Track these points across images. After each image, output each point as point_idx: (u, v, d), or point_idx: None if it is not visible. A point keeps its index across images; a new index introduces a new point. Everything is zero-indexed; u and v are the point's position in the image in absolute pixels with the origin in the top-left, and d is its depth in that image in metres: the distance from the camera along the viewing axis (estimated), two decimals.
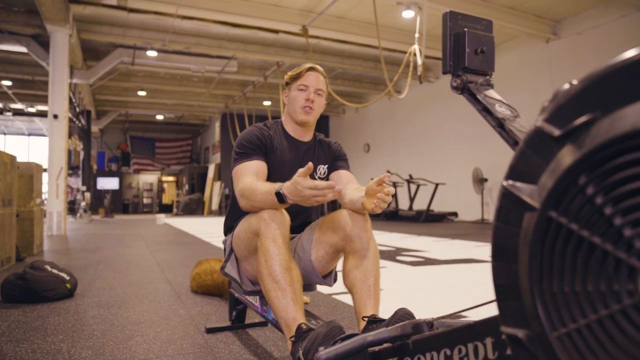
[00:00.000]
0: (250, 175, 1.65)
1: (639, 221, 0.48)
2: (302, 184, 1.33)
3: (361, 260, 1.58)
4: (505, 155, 0.66)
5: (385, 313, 1.49)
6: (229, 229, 1.85)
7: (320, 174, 1.90)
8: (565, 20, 9.26)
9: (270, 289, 1.44)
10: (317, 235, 1.71)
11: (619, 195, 0.49)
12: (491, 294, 0.68)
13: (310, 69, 1.83)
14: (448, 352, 0.94)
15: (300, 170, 1.35)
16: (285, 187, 1.40)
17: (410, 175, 12.31)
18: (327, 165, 1.92)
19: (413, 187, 12.24)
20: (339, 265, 1.74)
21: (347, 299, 2.72)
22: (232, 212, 1.83)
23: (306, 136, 1.89)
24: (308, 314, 1.64)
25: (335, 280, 1.82)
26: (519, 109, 1.14)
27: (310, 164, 1.35)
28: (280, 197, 1.42)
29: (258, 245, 1.50)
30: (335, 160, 1.94)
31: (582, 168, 0.52)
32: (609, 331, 0.51)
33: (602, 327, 0.52)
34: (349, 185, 1.81)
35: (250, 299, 1.95)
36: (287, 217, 1.53)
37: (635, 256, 0.48)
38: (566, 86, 0.56)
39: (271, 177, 1.73)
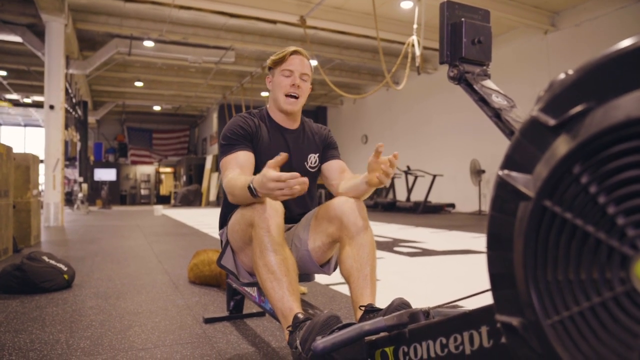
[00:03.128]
0: (234, 168, 1.60)
1: (632, 210, 0.49)
2: (266, 176, 1.26)
3: (357, 249, 1.55)
4: (503, 146, 0.67)
5: (382, 303, 1.49)
6: (224, 221, 1.83)
7: (311, 163, 1.82)
8: (564, 12, 9.23)
9: (266, 280, 1.43)
10: (314, 224, 1.69)
11: (613, 184, 0.50)
12: (487, 284, 0.68)
13: (295, 52, 1.73)
14: (444, 340, 0.95)
15: (270, 161, 1.29)
16: (255, 180, 1.33)
17: (408, 167, 12.32)
18: (317, 154, 1.84)
19: (411, 178, 12.26)
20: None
21: (344, 289, 2.73)
22: (226, 205, 1.79)
23: (293, 123, 1.82)
24: (305, 304, 1.64)
25: (335, 268, 1.79)
26: (517, 101, 1.14)
27: (284, 154, 1.28)
28: (252, 191, 1.36)
29: (252, 236, 1.48)
30: (327, 148, 1.86)
31: (577, 157, 0.52)
32: (601, 318, 0.52)
33: (595, 314, 0.52)
34: (343, 175, 1.78)
35: (248, 289, 1.96)
36: (281, 206, 1.51)
37: (628, 244, 0.49)
38: (561, 76, 0.57)
39: (259, 168, 1.65)
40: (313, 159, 1.83)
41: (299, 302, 1.42)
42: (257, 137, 1.73)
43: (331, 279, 2.85)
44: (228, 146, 1.67)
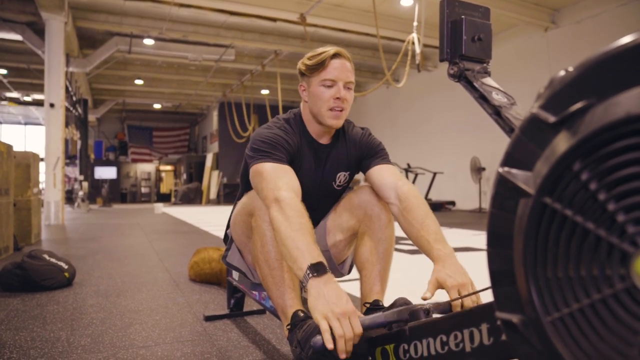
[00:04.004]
0: (289, 188, 1.28)
1: (632, 207, 0.49)
2: (351, 314, 1.07)
3: (376, 243, 1.49)
4: (503, 144, 0.66)
5: (383, 301, 1.50)
6: None
7: (339, 182, 1.61)
8: (564, 9, 9.21)
9: (266, 275, 1.39)
10: (333, 217, 1.60)
11: (613, 181, 0.50)
12: (487, 282, 0.68)
13: (336, 55, 1.43)
14: (444, 338, 0.95)
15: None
16: (328, 289, 1.11)
17: (409, 164, 12.31)
18: (348, 172, 1.62)
19: (411, 176, 12.25)
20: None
21: (348, 287, 2.73)
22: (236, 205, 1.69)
23: (329, 137, 1.57)
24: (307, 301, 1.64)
25: (350, 269, 1.69)
26: (518, 99, 1.14)
27: None
28: (304, 279, 1.14)
29: (253, 227, 1.40)
30: (367, 157, 1.59)
31: (577, 154, 0.52)
32: (601, 315, 0.52)
33: (595, 311, 0.52)
34: (399, 189, 1.46)
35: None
36: None
37: (628, 241, 0.49)
38: (562, 73, 0.56)
39: None
40: (343, 177, 1.62)
41: (300, 299, 1.38)
42: (296, 157, 1.49)
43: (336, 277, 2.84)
44: (270, 154, 1.37)
